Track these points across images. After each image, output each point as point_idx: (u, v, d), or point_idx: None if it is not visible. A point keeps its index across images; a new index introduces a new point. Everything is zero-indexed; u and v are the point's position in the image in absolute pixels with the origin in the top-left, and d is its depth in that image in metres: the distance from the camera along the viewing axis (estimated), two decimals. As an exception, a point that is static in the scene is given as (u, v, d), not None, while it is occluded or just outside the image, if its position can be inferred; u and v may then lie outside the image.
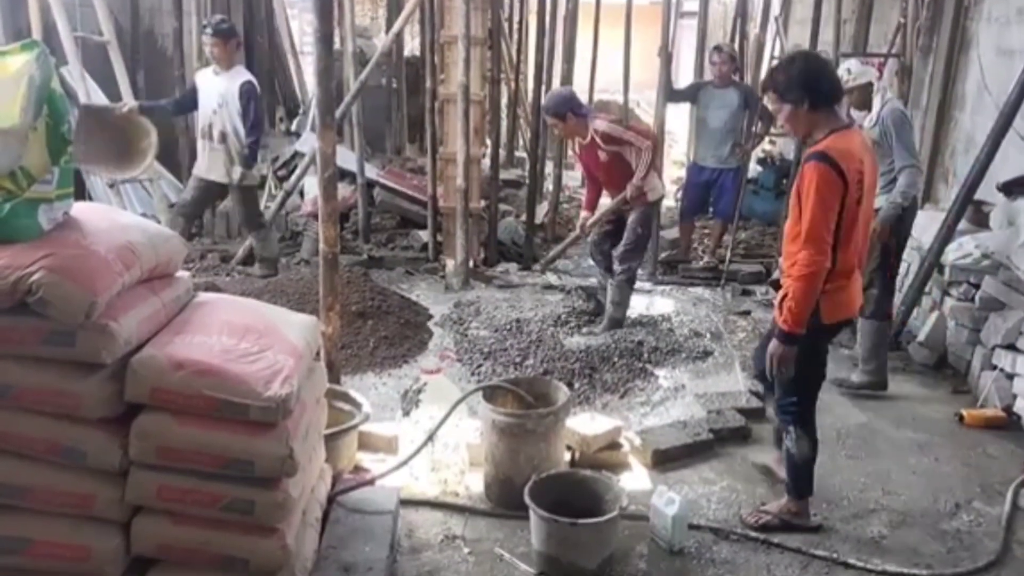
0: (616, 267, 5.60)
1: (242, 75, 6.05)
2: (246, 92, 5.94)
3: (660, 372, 5.01)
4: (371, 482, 3.43)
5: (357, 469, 3.63)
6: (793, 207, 3.18)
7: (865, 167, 3.13)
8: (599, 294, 5.93)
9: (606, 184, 5.65)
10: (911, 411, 4.72)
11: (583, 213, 5.87)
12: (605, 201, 5.79)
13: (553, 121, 5.62)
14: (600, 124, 5.43)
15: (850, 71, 4.86)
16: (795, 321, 3.12)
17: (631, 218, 5.55)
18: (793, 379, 3.32)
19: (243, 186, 6.16)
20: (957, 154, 6.46)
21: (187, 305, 2.80)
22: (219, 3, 9.08)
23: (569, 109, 5.44)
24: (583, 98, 9.27)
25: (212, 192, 6.40)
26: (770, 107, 3.31)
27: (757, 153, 8.84)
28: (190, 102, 6.15)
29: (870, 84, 4.90)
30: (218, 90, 5.96)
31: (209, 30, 5.97)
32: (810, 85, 3.13)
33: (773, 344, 3.22)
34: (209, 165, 6.09)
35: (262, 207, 7.25)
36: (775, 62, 3.32)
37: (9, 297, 2.24)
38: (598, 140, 5.42)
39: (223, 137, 5.98)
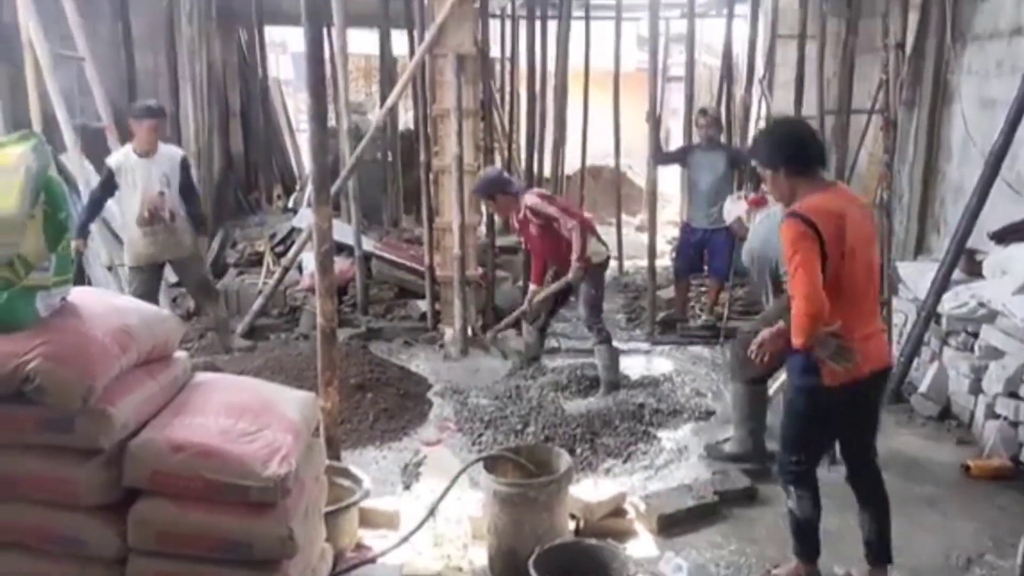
0: (590, 334, 5.81)
1: (173, 150, 5.99)
2: (187, 164, 5.96)
3: (663, 434, 4.98)
4: (373, 560, 3.39)
5: (358, 547, 3.58)
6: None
7: (848, 222, 3.08)
8: (526, 351, 6.24)
9: (543, 255, 5.85)
10: (917, 464, 4.67)
11: (531, 287, 6.01)
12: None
13: (486, 202, 6.04)
14: (529, 199, 5.67)
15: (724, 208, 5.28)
16: (799, 332, 3.02)
17: (582, 283, 5.68)
18: (797, 437, 3.30)
19: (200, 255, 6.20)
20: (947, 204, 6.53)
21: (185, 386, 2.80)
22: (215, 84, 9.27)
23: (497, 189, 5.76)
24: (575, 163, 9.50)
25: (159, 276, 6.12)
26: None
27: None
28: (110, 191, 5.85)
29: (739, 218, 5.08)
30: (161, 171, 5.75)
31: (141, 112, 5.75)
32: (786, 152, 3.19)
33: (772, 330, 3.30)
34: (163, 248, 5.85)
35: (260, 284, 7.30)
36: (760, 126, 3.48)
37: (6, 386, 2.25)
38: (529, 214, 5.65)
39: (173, 216, 5.80)
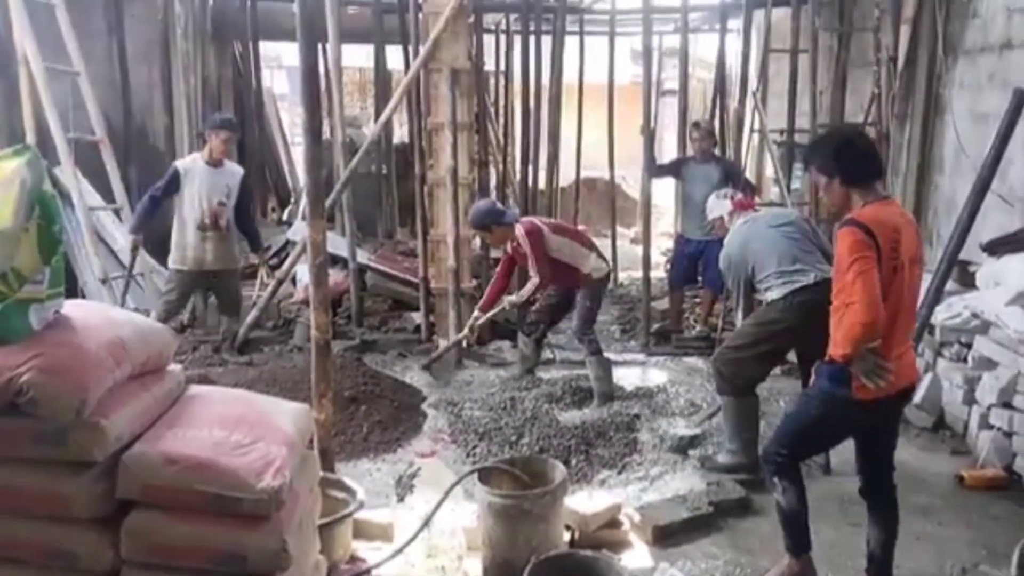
0: (580, 344, 5.85)
1: (237, 167, 6.35)
2: (248, 184, 6.34)
3: (658, 445, 4.97)
4: (367, 572, 3.38)
5: (353, 559, 3.57)
6: (835, 283, 3.13)
7: (903, 237, 3.07)
8: (522, 363, 6.26)
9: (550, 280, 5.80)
10: (912, 475, 4.66)
11: (476, 312, 6.04)
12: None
13: (481, 234, 6.08)
14: (519, 229, 5.68)
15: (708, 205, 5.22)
16: (849, 342, 2.98)
17: (580, 295, 5.79)
18: (796, 433, 3.32)
19: (239, 271, 6.45)
20: (939, 216, 6.57)
21: (179, 398, 2.80)
22: (209, 98, 9.28)
23: (491, 220, 5.80)
24: (570, 175, 9.52)
25: (199, 283, 6.52)
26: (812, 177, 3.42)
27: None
28: (172, 192, 6.15)
29: (721, 217, 5.05)
30: (224, 182, 6.15)
31: (219, 123, 6.17)
32: (844, 161, 3.16)
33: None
34: (213, 256, 6.18)
35: (254, 296, 7.30)
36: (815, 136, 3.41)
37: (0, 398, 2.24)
38: (517, 243, 5.70)
39: (228, 226, 6.21)
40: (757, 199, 7.76)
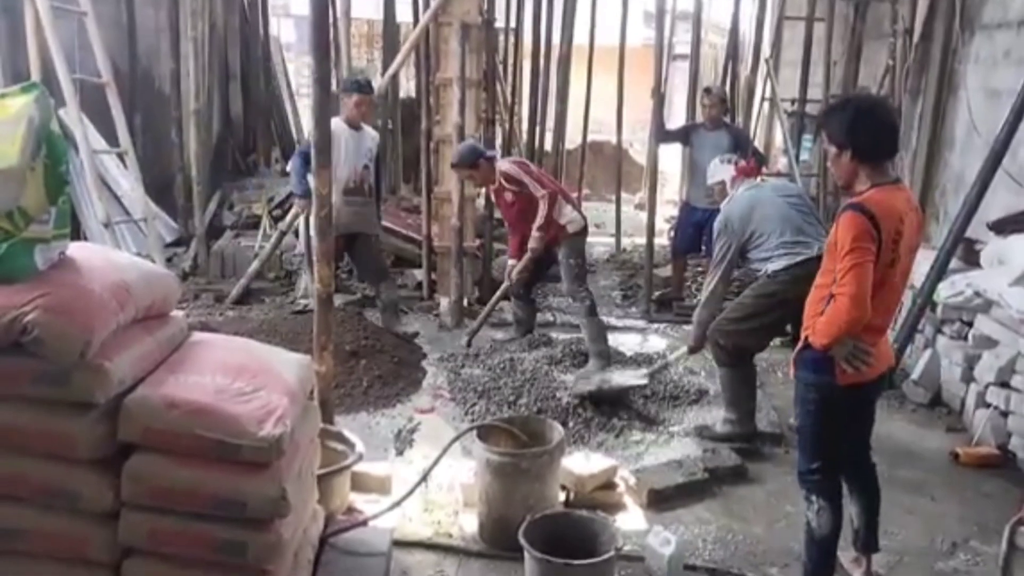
0: (574, 305, 5.80)
1: (373, 131, 6.16)
2: (380, 148, 6.09)
3: (655, 410, 5.00)
4: (364, 523, 3.40)
5: (350, 510, 3.60)
6: (826, 263, 3.04)
7: (906, 227, 2.94)
8: (517, 327, 6.25)
9: (518, 226, 5.80)
10: (906, 450, 4.71)
11: (510, 261, 5.97)
12: None
13: (468, 173, 5.93)
14: (503, 164, 5.73)
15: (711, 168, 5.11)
16: (829, 333, 2.91)
17: (561, 253, 5.72)
18: (815, 439, 3.15)
19: (378, 235, 6.25)
20: (947, 193, 6.53)
21: (181, 344, 2.79)
22: (216, 44, 9.19)
23: (479, 156, 5.77)
24: (577, 137, 9.42)
25: (342, 249, 5.99)
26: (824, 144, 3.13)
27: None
28: None
29: (722, 182, 4.95)
30: (365, 146, 5.96)
31: (348, 85, 5.94)
32: (859, 134, 2.94)
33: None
34: (357, 219, 5.92)
35: (256, 247, 7.27)
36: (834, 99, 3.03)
37: (4, 337, 2.24)
38: (503, 181, 5.65)
39: (371, 191, 6.02)
40: (764, 169, 7.72)
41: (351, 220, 5.83)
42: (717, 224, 4.74)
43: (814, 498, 3.17)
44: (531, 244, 5.61)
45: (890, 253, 2.91)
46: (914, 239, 3.03)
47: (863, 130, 2.95)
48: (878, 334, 3.08)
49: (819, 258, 4.15)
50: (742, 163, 4.99)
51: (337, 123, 5.74)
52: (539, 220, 5.52)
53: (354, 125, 5.87)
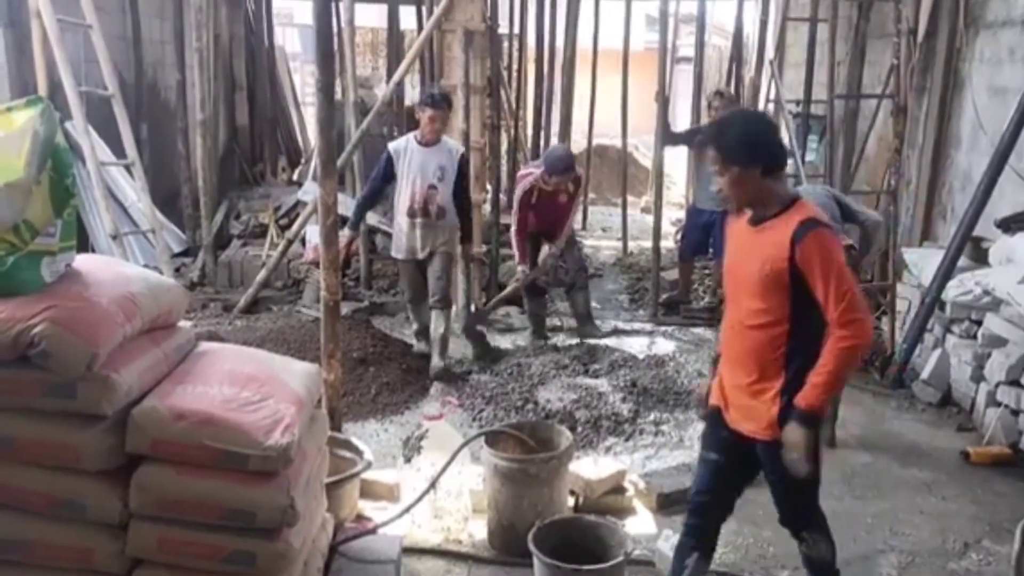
0: (578, 283, 6.40)
1: (455, 144, 5.71)
2: (466, 161, 5.67)
3: (664, 414, 4.98)
4: (373, 531, 3.41)
5: (359, 518, 3.61)
6: (760, 292, 2.70)
7: None
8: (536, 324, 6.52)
9: (554, 224, 6.15)
10: (917, 449, 4.69)
11: (520, 267, 6.14)
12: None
13: (573, 176, 6.10)
14: (580, 170, 6.17)
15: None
16: (829, 396, 2.68)
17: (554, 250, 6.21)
18: (810, 481, 2.79)
19: (453, 257, 5.80)
20: (954, 191, 6.50)
21: (189, 355, 2.80)
22: (221, 55, 9.22)
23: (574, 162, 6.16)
24: (582, 141, 9.45)
25: (424, 270, 5.68)
26: (712, 168, 2.82)
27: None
28: (389, 179, 5.57)
29: None
30: (436, 162, 5.47)
31: (423, 99, 5.54)
32: (760, 148, 2.71)
33: (797, 433, 2.62)
34: (423, 244, 5.51)
35: (263, 256, 7.27)
36: (718, 118, 2.69)
37: (11, 350, 2.25)
38: (571, 183, 6.03)
39: (441, 212, 5.49)
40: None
41: (415, 244, 5.52)
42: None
43: (806, 534, 2.94)
44: (569, 230, 6.21)
45: None
46: None
47: (770, 143, 2.76)
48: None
49: None
50: None
51: (407, 140, 5.58)
52: (576, 215, 6.29)
53: (426, 142, 5.48)
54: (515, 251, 6.18)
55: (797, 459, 2.64)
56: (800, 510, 2.91)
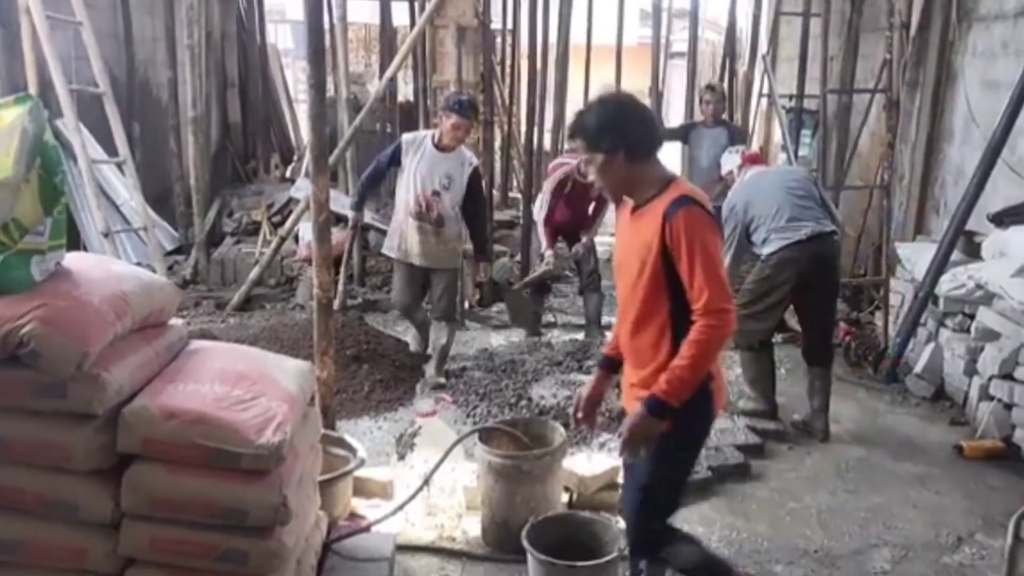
0: (591, 286, 6.33)
1: (469, 156, 5.42)
2: (478, 177, 5.41)
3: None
4: (366, 528, 3.40)
5: (352, 515, 3.60)
6: (637, 270, 2.57)
7: None
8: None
9: (575, 223, 6.16)
10: (910, 443, 4.70)
11: (548, 252, 6.10)
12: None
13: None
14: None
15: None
16: (685, 389, 2.46)
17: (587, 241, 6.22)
18: (679, 486, 2.76)
19: (457, 273, 5.68)
20: (947, 185, 6.51)
21: (180, 353, 2.79)
22: (213, 52, 9.19)
23: None
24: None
25: (416, 276, 5.48)
26: (580, 157, 2.69)
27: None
28: (394, 164, 5.37)
29: (731, 171, 5.14)
30: (446, 169, 5.23)
31: (448, 104, 5.27)
32: (632, 131, 2.55)
33: (639, 417, 2.49)
34: (421, 251, 5.30)
35: (256, 254, 7.24)
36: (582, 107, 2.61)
37: (0, 349, 2.24)
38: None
39: (441, 221, 5.26)
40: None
41: (410, 248, 5.31)
42: (724, 209, 4.87)
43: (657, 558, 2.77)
44: (599, 224, 6.30)
45: None
46: None
47: (635, 125, 2.57)
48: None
49: (808, 240, 4.45)
50: (747, 152, 5.23)
51: (424, 136, 5.39)
52: (604, 215, 6.14)
53: (442, 147, 5.24)
54: (542, 238, 6.11)
55: (628, 442, 2.52)
56: (644, 536, 2.75)
